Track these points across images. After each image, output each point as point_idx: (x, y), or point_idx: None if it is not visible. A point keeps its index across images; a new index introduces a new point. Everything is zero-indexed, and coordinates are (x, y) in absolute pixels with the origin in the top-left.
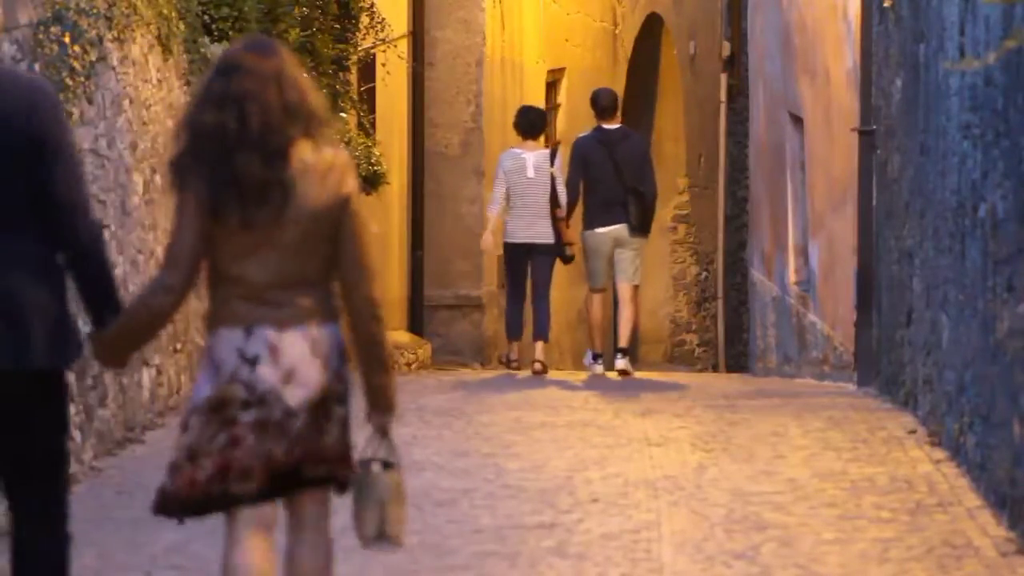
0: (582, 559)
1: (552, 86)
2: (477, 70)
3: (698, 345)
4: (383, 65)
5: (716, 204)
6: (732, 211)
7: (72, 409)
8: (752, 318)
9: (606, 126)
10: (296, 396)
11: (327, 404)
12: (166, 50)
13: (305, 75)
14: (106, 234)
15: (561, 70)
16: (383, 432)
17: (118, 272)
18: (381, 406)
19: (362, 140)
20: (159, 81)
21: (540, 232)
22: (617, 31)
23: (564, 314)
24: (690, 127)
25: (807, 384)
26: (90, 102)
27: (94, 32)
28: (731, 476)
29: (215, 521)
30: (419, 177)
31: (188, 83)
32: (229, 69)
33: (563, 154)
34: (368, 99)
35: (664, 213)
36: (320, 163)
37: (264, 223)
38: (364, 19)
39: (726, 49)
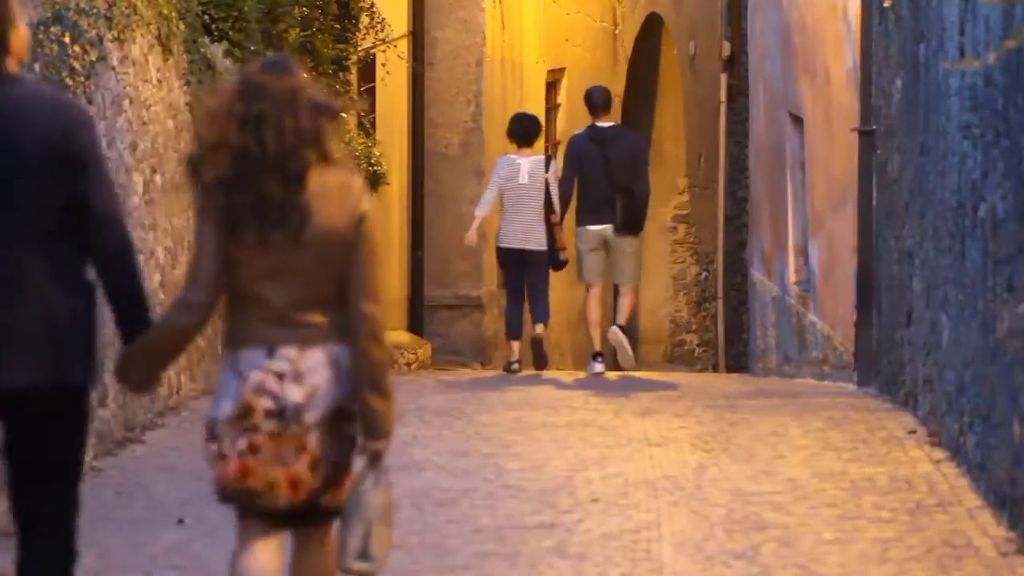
0: (582, 559)
1: (552, 86)
2: (477, 70)
3: (698, 345)
4: (383, 65)
5: (716, 204)
6: (732, 211)
7: None
8: (752, 318)
9: (599, 124)
10: (314, 413)
11: (338, 422)
12: (166, 50)
13: (323, 93)
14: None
15: (561, 70)
16: (375, 458)
17: None
18: (375, 431)
19: (362, 140)
20: (159, 81)
21: (533, 238)
22: (617, 31)
23: (564, 314)
24: (690, 127)
25: (807, 384)
26: (90, 102)
27: (94, 32)
28: (731, 476)
29: (215, 521)
30: (419, 177)
31: (188, 83)
32: (249, 92)
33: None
34: (368, 99)
35: (664, 213)
36: (336, 186)
37: (282, 245)
38: (364, 19)
39: (726, 49)
